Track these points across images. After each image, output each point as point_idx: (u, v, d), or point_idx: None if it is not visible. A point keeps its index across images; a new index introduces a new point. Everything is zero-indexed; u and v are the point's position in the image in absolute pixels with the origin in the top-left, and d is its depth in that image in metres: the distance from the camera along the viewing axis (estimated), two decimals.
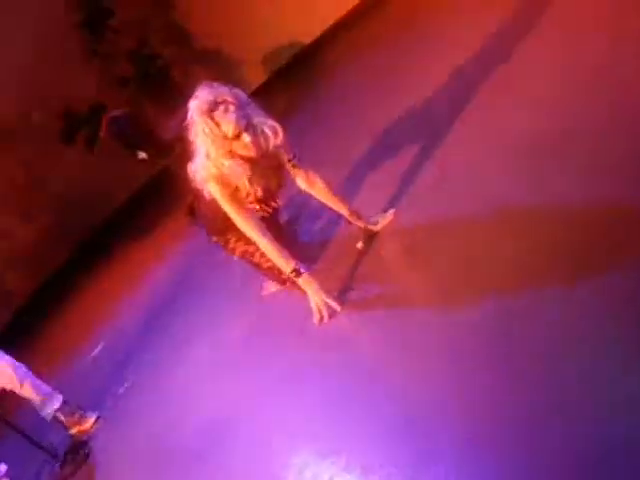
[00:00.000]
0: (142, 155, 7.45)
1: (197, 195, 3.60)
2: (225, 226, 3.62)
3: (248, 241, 3.55)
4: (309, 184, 3.66)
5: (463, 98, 4.18)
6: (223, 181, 3.38)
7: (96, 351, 5.74)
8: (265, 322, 3.87)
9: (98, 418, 4.55)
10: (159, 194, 8.11)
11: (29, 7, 8.08)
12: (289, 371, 3.26)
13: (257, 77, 8.92)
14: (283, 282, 3.72)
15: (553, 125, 3.23)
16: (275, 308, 3.86)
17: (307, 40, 8.59)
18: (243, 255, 3.84)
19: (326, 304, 3.30)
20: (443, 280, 2.94)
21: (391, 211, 3.71)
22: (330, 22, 8.37)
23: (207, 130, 3.27)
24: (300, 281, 3.36)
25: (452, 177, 3.59)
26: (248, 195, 3.46)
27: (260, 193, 3.52)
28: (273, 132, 3.41)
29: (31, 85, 8.21)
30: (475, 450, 2.11)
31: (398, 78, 5.41)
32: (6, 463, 4.47)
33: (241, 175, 3.38)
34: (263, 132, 3.39)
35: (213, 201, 3.46)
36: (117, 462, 4.01)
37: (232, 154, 3.35)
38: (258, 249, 3.55)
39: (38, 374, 4.59)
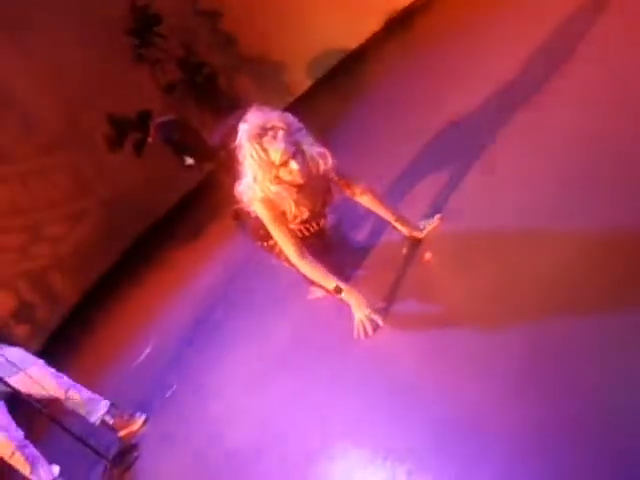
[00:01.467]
0: (189, 161, 7.51)
1: (243, 210, 3.62)
2: (265, 230, 3.63)
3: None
4: (359, 196, 3.68)
5: (516, 103, 4.13)
6: (269, 204, 3.41)
7: (143, 356, 5.79)
8: (310, 328, 3.87)
9: (146, 420, 4.59)
10: (205, 200, 8.17)
11: (78, 11, 8.22)
12: (331, 379, 3.26)
13: (302, 83, 8.95)
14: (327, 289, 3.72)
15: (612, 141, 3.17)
16: (321, 314, 3.85)
17: (353, 45, 8.59)
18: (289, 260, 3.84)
19: (369, 319, 3.29)
20: (484, 296, 2.90)
21: (437, 217, 3.68)
22: (376, 27, 8.35)
23: (255, 155, 3.27)
24: (343, 296, 3.38)
25: (497, 185, 3.55)
26: (295, 217, 3.50)
27: (307, 215, 3.56)
28: (322, 158, 3.42)
29: (79, 90, 8.33)
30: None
31: (447, 81, 5.37)
32: (58, 464, 4.54)
33: (287, 199, 3.41)
34: (312, 158, 3.39)
35: (258, 217, 3.51)
36: (163, 467, 4.05)
37: (279, 180, 3.36)
38: None
39: (85, 381, 4.69)
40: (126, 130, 8.04)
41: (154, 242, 8.60)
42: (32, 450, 4.45)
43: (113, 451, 4.52)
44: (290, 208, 3.44)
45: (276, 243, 3.75)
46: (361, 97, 7.29)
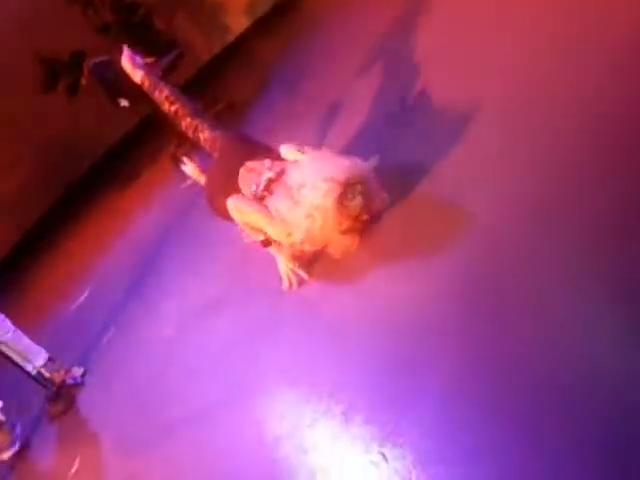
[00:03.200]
0: (124, 102, 7.38)
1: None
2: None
3: None
4: None
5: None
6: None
7: (80, 299, 5.79)
8: (246, 271, 3.93)
9: (84, 373, 4.59)
10: (143, 142, 8.09)
11: None
12: (265, 322, 3.37)
13: (239, 24, 8.81)
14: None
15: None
16: (255, 258, 3.91)
17: None
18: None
19: (295, 273, 3.41)
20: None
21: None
22: None
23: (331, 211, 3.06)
24: (270, 250, 3.49)
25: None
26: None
27: None
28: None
29: (9, 32, 8.09)
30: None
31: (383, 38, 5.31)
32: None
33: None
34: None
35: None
36: (100, 411, 4.11)
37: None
38: None
39: (20, 325, 4.60)
40: (59, 72, 7.84)
41: (92, 185, 8.50)
42: None
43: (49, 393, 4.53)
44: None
45: None
46: (299, 42, 7.23)
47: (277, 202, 3.28)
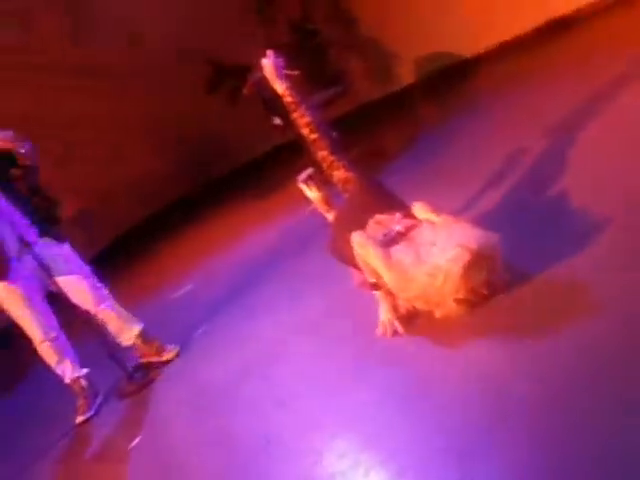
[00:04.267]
0: (277, 121, 7.61)
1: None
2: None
3: None
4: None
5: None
6: None
7: (183, 291, 5.96)
8: (343, 307, 3.97)
9: (179, 352, 4.70)
10: (283, 161, 8.27)
11: None
12: (350, 362, 3.38)
13: (408, 77, 8.96)
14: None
15: None
16: (357, 299, 3.93)
17: (468, 54, 8.55)
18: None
19: (392, 323, 3.39)
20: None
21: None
22: (498, 41, 8.28)
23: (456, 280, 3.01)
24: (377, 294, 3.47)
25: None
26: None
27: None
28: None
29: (183, 32, 8.49)
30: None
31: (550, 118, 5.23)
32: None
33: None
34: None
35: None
36: (171, 400, 4.20)
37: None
38: None
39: (124, 302, 4.76)
40: (224, 77, 8.17)
41: (225, 189, 8.75)
42: (63, 343, 4.54)
43: (133, 365, 4.66)
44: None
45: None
46: (459, 105, 7.29)
47: (401, 253, 3.28)
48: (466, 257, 2.98)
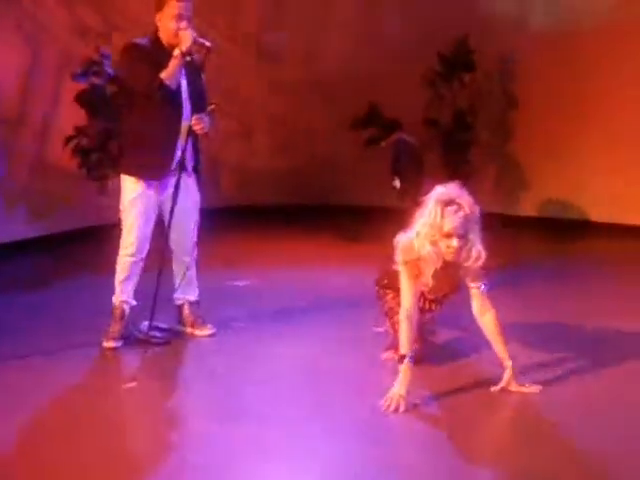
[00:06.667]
0: (396, 183, 7.77)
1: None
2: (392, 283, 4.05)
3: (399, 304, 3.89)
4: (480, 312, 3.90)
5: None
6: (413, 265, 3.78)
7: (239, 283, 6.22)
8: (361, 369, 4.30)
9: (213, 334, 4.86)
10: (381, 220, 8.33)
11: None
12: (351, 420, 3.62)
13: (530, 209, 8.90)
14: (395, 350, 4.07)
15: None
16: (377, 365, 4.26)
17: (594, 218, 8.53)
18: (388, 311, 4.27)
19: (399, 398, 3.62)
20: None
21: (536, 388, 3.88)
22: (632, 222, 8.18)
23: (432, 215, 3.65)
24: (400, 366, 3.71)
25: None
26: (424, 285, 3.87)
27: (429, 288, 3.90)
28: (477, 256, 3.74)
29: (365, 67, 8.81)
30: None
31: None
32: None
33: (432, 264, 3.72)
34: (469, 250, 3.72)
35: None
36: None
37: (436, 244, 3.69)
38: None
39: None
40: (374, 120, 8.36)
41: (326, 215, 8.94)
42: (140, 268, 4.61)
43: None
44: (428, 274, 3.76)
45: (390, 294, 4.20)
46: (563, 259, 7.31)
47: None
48: None
